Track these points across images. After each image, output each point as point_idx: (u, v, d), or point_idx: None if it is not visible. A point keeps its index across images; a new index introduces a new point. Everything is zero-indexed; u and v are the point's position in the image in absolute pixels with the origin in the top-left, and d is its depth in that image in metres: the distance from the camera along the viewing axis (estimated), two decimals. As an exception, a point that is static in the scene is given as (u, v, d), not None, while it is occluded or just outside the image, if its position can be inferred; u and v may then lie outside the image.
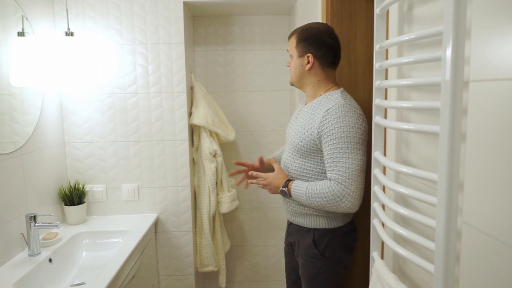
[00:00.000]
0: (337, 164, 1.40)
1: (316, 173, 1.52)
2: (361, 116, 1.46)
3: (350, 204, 1.40)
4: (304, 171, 1.54)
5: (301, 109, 1.65)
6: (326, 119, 1.43)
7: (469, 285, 0.73)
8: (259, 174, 1.61)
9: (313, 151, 1.50)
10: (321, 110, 1.47)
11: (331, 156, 1.42)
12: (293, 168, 1.57)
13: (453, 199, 0.75)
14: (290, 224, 1.70)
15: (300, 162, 1.54)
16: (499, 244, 0.63)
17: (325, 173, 1.50)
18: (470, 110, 0.70)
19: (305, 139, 1.50)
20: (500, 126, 0.62)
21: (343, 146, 1.40)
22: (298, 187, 1.49)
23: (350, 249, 1.62)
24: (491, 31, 0.64)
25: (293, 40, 1.56)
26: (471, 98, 0.70)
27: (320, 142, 1.46)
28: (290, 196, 1.53)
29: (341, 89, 1.55)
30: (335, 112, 1.42)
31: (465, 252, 0.73)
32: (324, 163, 1.49)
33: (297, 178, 1.56)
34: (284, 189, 1.52)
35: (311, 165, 1.52)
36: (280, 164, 1.66)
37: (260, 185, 1.62)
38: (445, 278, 0.77)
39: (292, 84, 1.64)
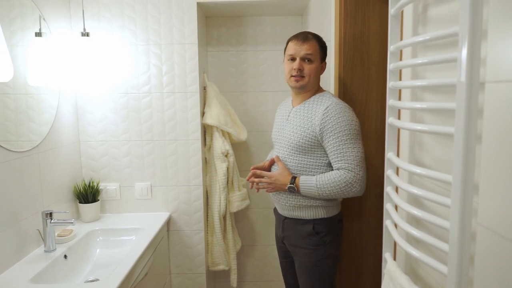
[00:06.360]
0: (344, 155, 1.54)
1: (316, 167, 1.62)
2: (353, 112, 1.62)
3: (360, 188, 1.55)
4: (304, 166, 1.63)
5: (290, 111, 1.73)
6: (327, 116, 1.56)
7: None
8: (263, 172, 1.69)
9: (313, 146, 1.60)
10: (319, 108, 1.60)
11: (337, 148, 1.55)
12: (293, 165, 1.65)
13: (468, 201, 0.74)
14: (284, 219, 1.75)
15: (300, 159, 1.63)
16: (515, 246, 0.63)
17: (324, 166, 1.62)
18: (486, 111, 0.70)
19: (306, 136, 1.60)
20: (516, 127, 0.62)
21: (347, 138, 1.54)
22: (307, 181, 1.58)
23: (342, 234, 1.77)
24: (508, 31, 0.64)
25: (315, 45, 1.64)
26: (487, 99, 0.70)
27: (321, 138, 1.57)
28: (298, 191, 1.60)
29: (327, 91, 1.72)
30: (335, 109, 1.56)
31: (479, 254, 0.73)
32: (323, 157, 1.61)
33: (298, 174, 1.64)
34: (292, 185, 1.60)
35: (311, 160, 1.62)
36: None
37: (265, 185, 1.68)
38: (459, 280, 0.77)
39: (303, 87, 1.66)
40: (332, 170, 1.59)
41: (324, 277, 1.67)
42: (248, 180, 1.75)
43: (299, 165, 1.63)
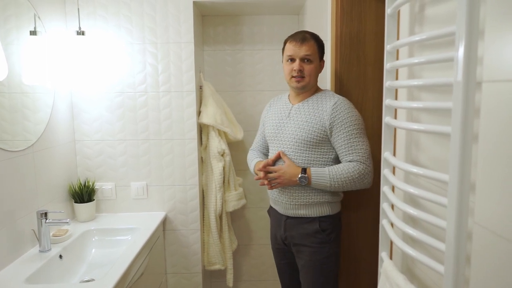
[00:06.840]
0: (355, 148, 1.57)
1: (323, 163, 1.64)
2: None
3: (370, 180, 1.59)
4: (310, 162, 1.64)
5: (290, 108, 1.73)
6: (336, 111, 1.60)
7: (480, 287, 0.73)
8: (270, 168, 1.67)
9: (321, 142, 1.62)
10: (327, 104, 1.63)
11: (348, 142, 1.58)
12: (299, 160, 1.65)
13: (464, 200, 0.75)
14: (286, 219, 1.73)
15: (307, 155, 1.64)
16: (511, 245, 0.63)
17: (330, 161, 1.64)
18: (483, 111, 0.70)
19: (314, 131, 1.61)
20: (513, 127, 0.62)
21: (357, 132, 1.58)
22: (319, 172, 1.59)
23: (341, 232, 1.78)
24: (505, 31, 0.64)
25: (314, 45, 1.65)
26: (484, 99, 0.70)
27: (331, 132, 1.60)
28: (309, 182, 1.59)
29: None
30: (343, 104, 1.61)
31: (476, 253, 0.73)
32: (329, 153, 1.64)
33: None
34: (304, 174, 1.58)
35: (318, 156, 1.64)
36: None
37: (272, 179, 1.65)
38: (455, 279, 0.77)
39: (304, 87, 1.67)
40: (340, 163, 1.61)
41: (330, 274, 1.68)
42: (261, 178, 1.69)
43: (305, 161, 1.64)
